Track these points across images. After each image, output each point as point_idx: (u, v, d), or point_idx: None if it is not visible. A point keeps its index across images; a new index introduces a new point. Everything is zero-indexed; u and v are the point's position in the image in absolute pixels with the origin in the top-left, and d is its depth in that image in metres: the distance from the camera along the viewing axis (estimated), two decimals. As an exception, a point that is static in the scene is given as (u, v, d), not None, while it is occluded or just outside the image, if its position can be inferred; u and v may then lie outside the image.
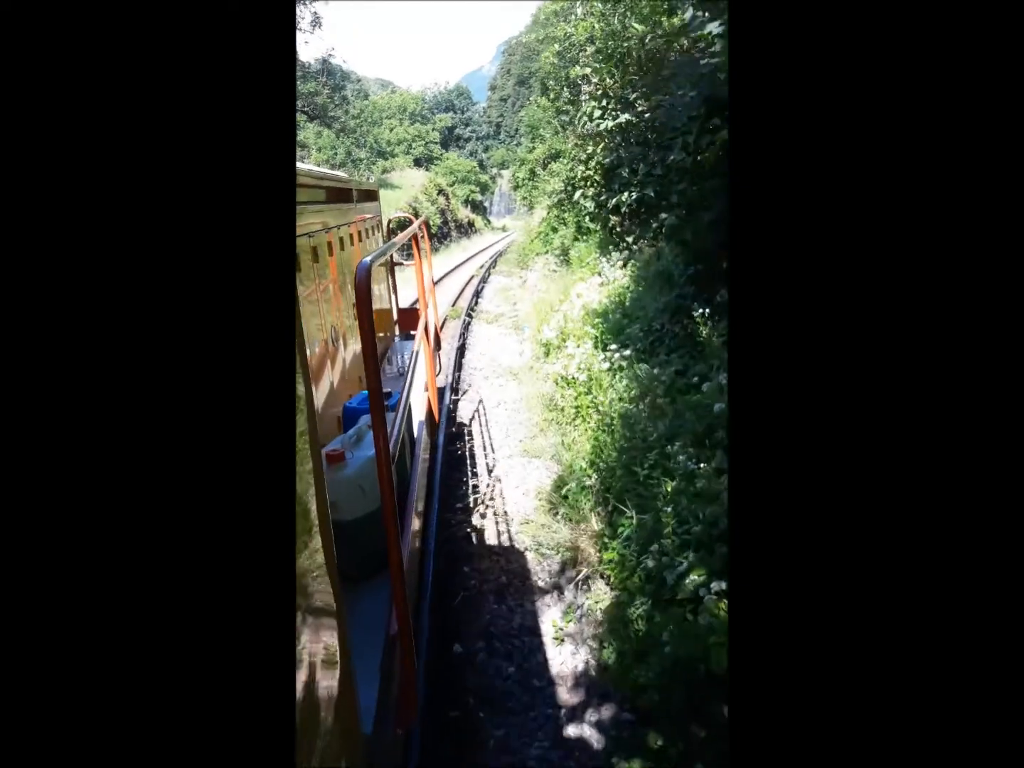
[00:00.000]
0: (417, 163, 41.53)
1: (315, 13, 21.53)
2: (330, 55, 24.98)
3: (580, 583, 3.55)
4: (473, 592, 3.46)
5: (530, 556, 3.86)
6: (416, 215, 21.49)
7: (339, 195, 3.66)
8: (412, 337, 5.41)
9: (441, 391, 5.52)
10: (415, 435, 3.43)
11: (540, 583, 3.62)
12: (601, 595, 3.34)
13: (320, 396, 2.72)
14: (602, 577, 3.52)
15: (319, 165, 28.06)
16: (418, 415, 3.67)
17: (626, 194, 5.64)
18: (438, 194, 31.28)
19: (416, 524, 2.76)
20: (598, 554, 3.61)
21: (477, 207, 45.79)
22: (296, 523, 0.79)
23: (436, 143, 47.85)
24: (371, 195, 5.04)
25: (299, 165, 3.38)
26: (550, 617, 3.34)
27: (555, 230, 11.53)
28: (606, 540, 3.51)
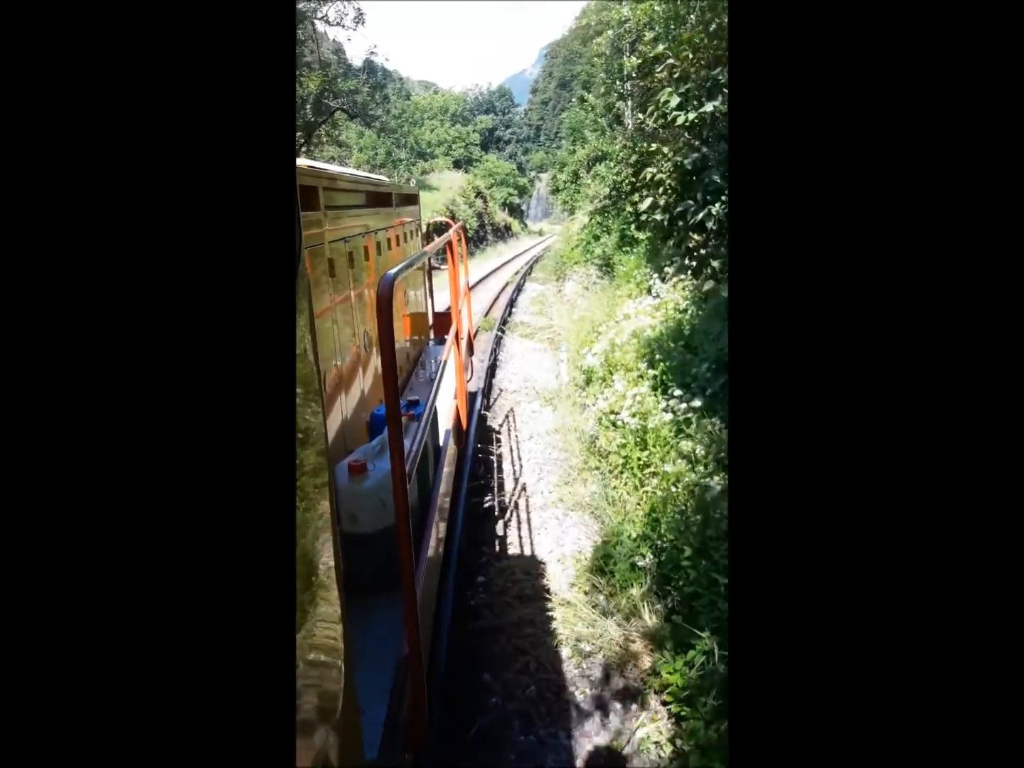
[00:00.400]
0: (456, 164, 41.03)
1: (358, 9, 21.00)
2: (372, 53, 24.44)
3: (628, 700, 2.78)
4: (494, 714, 2.70)
5: (565, 652, 3.10)
6: (453, 218, 21.09)
7: (379, 199, 3.57)
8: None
9: (472, 396, 5.19)
10: (441, 443, 3.24)
11: (579, 697, 2.85)
12: (658, 728, 2.55)
13: (350, 403, 2.64)
14: (656, 692, 2.74)
15: (359, 166, 27.90)
16: (445, 423, 3.46)
17: (717, 206, 4.54)
18: (476, 197, 30.77)
19: (436, 535, 2.56)
20: (652, 663, 2.84)
21: (514, 210, 45.16)
22: (304, 541, 0.75)
23: (476, 145, 47.18)
24: (411, 199, 4.93)
25: (338, 168, 3.35)
26: (591, 753, 2.56)
27: (597, 238, 10.64)
28: (665, 651, 2.72)
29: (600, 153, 9.84)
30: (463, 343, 3.89)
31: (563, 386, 6.97)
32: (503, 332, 10.01)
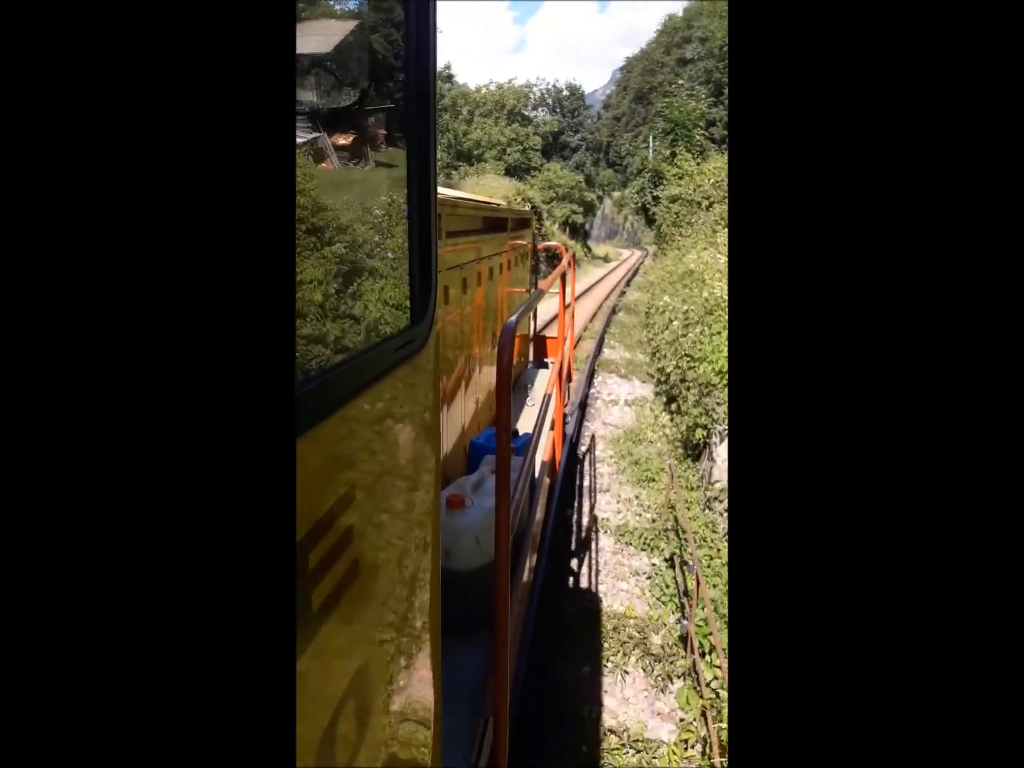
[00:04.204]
0: (510, 172, 33.57)
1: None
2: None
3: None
4: None
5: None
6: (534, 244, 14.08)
7: (495, 224, 3.72)
8: (543, 365, 5.56)
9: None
10: (535, 479, 3.00)
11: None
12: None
13: (453, 428, 2.67)
14: None
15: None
16: (541, 455, 3.22)
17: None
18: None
19: (526, 579, 2.47)
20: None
21: (576, 231, 37.33)
22: (400, 578, 0.75)
23: (536, 149, 39.53)
24: (525, 222, 5.17)
25: (455, 193, 3.52)
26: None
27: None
28: None
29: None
30: (564, 374, 3.80)
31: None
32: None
